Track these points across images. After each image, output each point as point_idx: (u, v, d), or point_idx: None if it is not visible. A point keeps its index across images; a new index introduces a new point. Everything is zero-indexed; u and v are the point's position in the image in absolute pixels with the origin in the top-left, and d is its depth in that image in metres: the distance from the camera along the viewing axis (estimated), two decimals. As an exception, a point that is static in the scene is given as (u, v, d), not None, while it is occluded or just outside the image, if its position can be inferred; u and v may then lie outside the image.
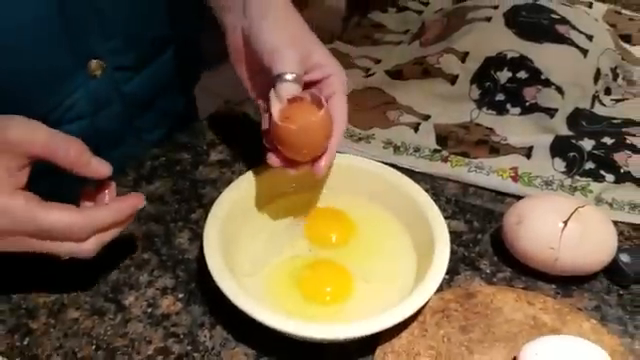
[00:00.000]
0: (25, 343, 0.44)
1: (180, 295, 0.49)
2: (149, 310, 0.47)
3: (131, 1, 0.56)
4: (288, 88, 0.46)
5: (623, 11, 0.87)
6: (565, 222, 0.48)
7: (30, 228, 0.40)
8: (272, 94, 0.47)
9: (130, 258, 0.51)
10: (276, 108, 0.46)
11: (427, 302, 0.46)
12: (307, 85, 0.48)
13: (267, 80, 0.48)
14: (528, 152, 0.62)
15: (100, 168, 0.43)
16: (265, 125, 0.50)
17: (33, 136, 0.41)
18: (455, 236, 0.55)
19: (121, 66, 0.58)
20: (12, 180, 0.41)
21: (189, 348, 0.45)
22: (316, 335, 0.42)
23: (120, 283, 0.49)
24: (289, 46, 0.47)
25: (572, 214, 0.49)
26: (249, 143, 0.63)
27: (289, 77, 0.46)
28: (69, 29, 0.51)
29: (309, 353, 0.44)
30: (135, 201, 0.45)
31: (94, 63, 0.55)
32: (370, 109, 0.69)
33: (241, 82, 0.53)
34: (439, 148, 0.64)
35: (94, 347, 0.44)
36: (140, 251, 0.52)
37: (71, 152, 0.42)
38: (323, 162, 0.48)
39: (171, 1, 0.60)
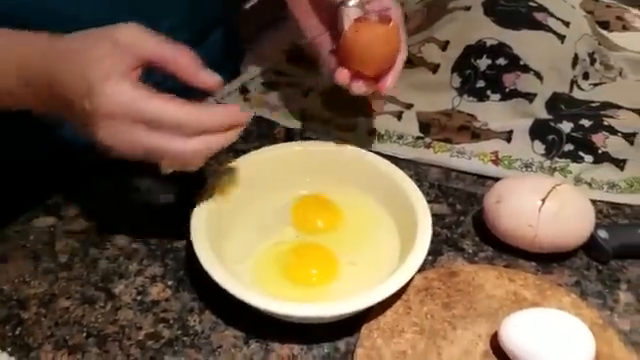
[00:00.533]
0: (17, 333, 0.45)
1: (169, 282, 0.49)
2: (139, 297, 0.48)
3: None
4: (353, 12, 0.50)
5: (601, -1, 0.88)
6: (543, 200, 0.50)
7: (137, 114, 0.39)
8: (342, 12, 0.50)
9: (119, 249, 0.52)
10: (347, 23, 0.50)
11: (411, 281, 0.47)
12: None
13: (327, 16, 0.53)
14: (508, 136, 0.63)
15: (209, 78, 0.43)
16: (331, 46, 0.54)
17: (143, 40, 0.42)
18: (438, 219, 0.56)
19: (169, 28, 0.58)
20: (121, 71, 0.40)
21: (179, 332, 0.46)
22: (302, 314, 0.43)
23: (110, 272, 0.50)
24: None
25: (550, 192, 0.50)
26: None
27: (352, 2, 0.50)
28: (131, 3, 0.54)
29: (297, 334, 0.45)
30: (243, 113, 0.44)
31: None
32: (354, 100, 0.69)
33: (299, 26, 0.57)
34: (422, 135, 0.65)
35: (85, 335, 0.45)
36: (129, 241, 0.53)
37: (180, 59, 0.42)
38: (389, 79, 0.52)
39: None
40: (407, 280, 0.45)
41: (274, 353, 0.45)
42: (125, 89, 0.39)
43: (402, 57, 0.53)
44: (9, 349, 0.43)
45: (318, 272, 0.49)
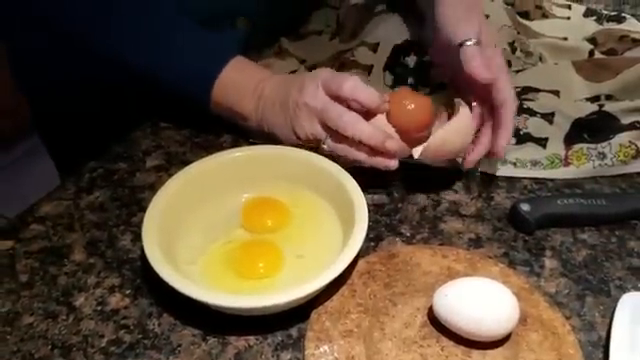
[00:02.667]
0: (-17, 352, 0.47)
1: (127, 291, 0.52)
2: (99, 308, 0.51)
3: None
4: (471, 51, 0.58)
5: (521, -10, 0.94)
6: None
7: (321, 111, 0.58)
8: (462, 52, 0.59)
9: (77, 264, 0.54)
10: (466, 62, 0.58)
11: (354, 266, 0.51)
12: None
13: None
14: (437, 126, 0.68)
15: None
16: None
17: (341, 77, 0.58)
18: (378, 208, 0.60)
19: (262, 25, 0.74)
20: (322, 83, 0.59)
21: (140, 336, 0.49)
22: (250, 305, 0.46)
23: (70, 287, 0.52)
24: (467, 18, 0.60)
25: None
26: (182, 147, 0.67)
27: (470, 42, 0.58)
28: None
29: (252, 326, 0.49)
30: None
31: (240, 20, 0.73)
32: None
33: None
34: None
35: (50, 347, 0.48)
36: (86, 257, 0.55)
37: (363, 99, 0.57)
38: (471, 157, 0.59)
39: None
40: (346, 265, 0.49)
41: (231, 346, 0.48)
42: (321, 93, 0.58)
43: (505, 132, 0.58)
44: (-23, 367, 0.45)
45: (265, 264, 0.52)
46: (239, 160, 0.59)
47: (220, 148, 0.67)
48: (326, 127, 0.58)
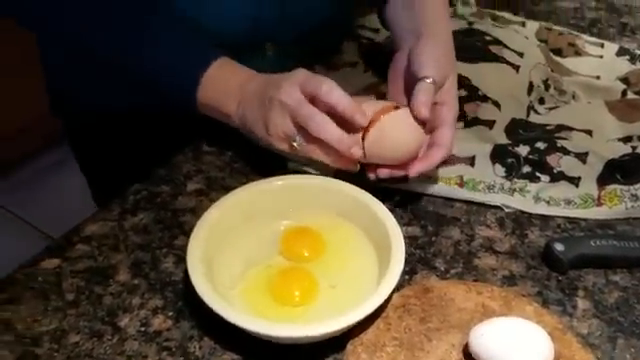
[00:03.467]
0: (32, 368, 0.49)
1: (170, 313, 0.54)
2: (142, 329, 0.53)
3: (307, 19, 0.75)
4: (425, 87, 0.61)
5: (554, 27, 0.95)
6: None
7: (294, 109, 0.59)
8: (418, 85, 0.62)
9: (122, 285, 0.56)
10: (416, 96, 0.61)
11: (389, 300, 0.53)
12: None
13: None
14: (472, 161, 0.69)
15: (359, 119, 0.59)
16: None
17: (317, 79, 0.60)
18: (412, 240, 0.61)
19: (290, 53, 0.76)
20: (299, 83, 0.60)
21: (181, 359, 0.50)
22: (290, 334, 0.48)
23: (115, 307, 0.54)
24: (436, 61, 0.63)
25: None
26: (222, 172, 0.69)
27: (428, 80, 0.62)
28: (259, 20, 0.71)
29: (289, 353, 0.50)
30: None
31: (268, 45, 0.75)
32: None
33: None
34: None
35: (96, 366, 0.50)
36: (130, 277, 0.57)
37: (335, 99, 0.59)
38: (417, 166, 0.62)
39: (337, 21, 0.82)
40: (384, 299, 0.50)
41: (269, 373, 0.49)
42: (296, 92, 0.59)
43: (440, 150, 0.62)
44: (27, 383, 0.47)
45: (300, 293, 0.54)
46: (280, 188, 0.61)
47: (258, 174, 0.69)
48: (298, 126, 0.59)
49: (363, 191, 0.60)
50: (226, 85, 0.64)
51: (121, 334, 0.52)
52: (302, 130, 0.59)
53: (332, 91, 0.58)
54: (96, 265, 0.58)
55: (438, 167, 0.65)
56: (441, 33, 0.67)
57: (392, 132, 0.60)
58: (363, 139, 0.60)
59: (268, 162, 0.71)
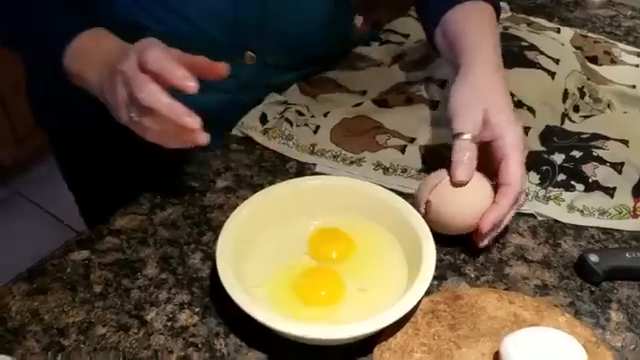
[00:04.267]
0: (59, 359, 0.49)
1: (196, 309, 0.54)
2: (169, 324, 0.52)
3: (290, 20, 0.72)
4: (460, 145, 0.58)
5: (589, 34, 0.94)
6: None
7: (129, 78, 0.54)
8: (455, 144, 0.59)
9: (149, 279, 0.56)
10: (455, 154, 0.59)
11: (418, 305, 0.52)
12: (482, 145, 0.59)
13: None
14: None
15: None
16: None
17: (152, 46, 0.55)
18: (442, 246, 0.60)
19: (272, 64, 0.73)
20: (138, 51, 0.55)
21: (207, 355, 0.50)
22: (318, 336, 0.47)
23: (142, 301, 0.54)
24: (466, 108, 0.59)
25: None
26: (250, 170, 0.69)
27: (465, 137, 0.58)
28: (236, 25, 0.68)
29: (315, 355, 0.50)
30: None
31: (248, 55, 0.72)
32: (360, 135, 0.75)
33: None
34: (424, 168, 0.70)
35: (121, 359, 0.50)
36: (158, 272, 0.57)
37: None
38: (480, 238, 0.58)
39: (328, 27, 0.76)
40: (415, 303, 0.49)
41: (295, 373, 0.49)
42: (133, 62, 0.54)
43: (506, 190, 0.56)
44: (53, 374, 0.47)
45: (326, 293, 0.53)
46: (310, 188, 0.60)
47: (286, 173, 0.69)
48: (132, 96, 0.55)
49: (394, 195, 0.60)
50: (91, 55, 0.60)
51: (147, 328, 0.52)
52: (136, 101, 0.54)
53: (159, 58, 0.53)
54: (124, 258, 0.58)
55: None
56: (479, 64, 0.62)
57: (446, 207, 0.58)
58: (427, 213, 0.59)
59: (296, 163, 0.70)
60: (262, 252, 0.57)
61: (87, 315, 0.53)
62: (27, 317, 0.52)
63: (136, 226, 0.62)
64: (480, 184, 0.58)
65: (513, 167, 0.57)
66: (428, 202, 0.58)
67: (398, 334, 0.51)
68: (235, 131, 0.74)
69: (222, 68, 0.56)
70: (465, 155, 0.58)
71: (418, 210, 0.58)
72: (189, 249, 0.59)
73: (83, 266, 0.57)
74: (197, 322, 0.53)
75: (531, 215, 0.64)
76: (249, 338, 0.51)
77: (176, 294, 0.55)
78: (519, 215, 0.64)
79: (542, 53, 0.76)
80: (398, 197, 0.59)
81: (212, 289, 0.55)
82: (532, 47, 0.76)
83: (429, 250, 0.53)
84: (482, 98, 0.60)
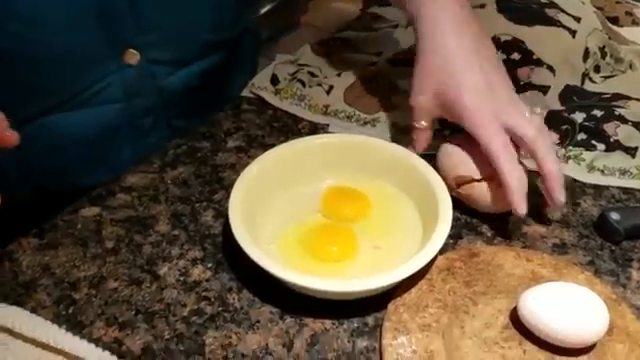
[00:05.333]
0: (70, 312, 0.49)
1: (209, 265, 0.53)
2: (182, 278, 0.52)
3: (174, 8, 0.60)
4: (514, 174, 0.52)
5: (611, -5, 0.91)
6: None
7: None
8: None
9: (161, 235, 0.56)
10: None
11: (433, 262, 0.51)
12: None
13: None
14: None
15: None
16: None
17: None
18: (459, 204, 0.59)
19: (158, 60, 0.62)
20: None
21: (220, 309, 0.49)
22: (333, 289, 0.46)
23: (154, 257, 0.54)
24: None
25: None
26: (261, 130, 0.68)
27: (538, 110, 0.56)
28: (103, 16, 0.56)
29: (329, 310, 0.49)
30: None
31: (129, 52, 0.60)
32: (374, 95, 0.73)
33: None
34: (440, 127, 0.68)
35: (134, 312, 0.49)
36: (170, 228, 0.56)
37: None
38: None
39: (214, 8, 0.65)
40: (430, 259, 0.48)
41: (307, 327, 0.48)
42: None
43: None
44: (64, 326, 0.47)
45: (339, 248, 0.53)
46: (324, 146, 0.59)
47: (298, 134, 0.68)
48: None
49: (410, 152, 0.58)
50: None
51: (160, 282, 0.52)
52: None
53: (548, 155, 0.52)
54: (136, 215, 0.58)
55: None
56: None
57: (482, 202, 0.56)
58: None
59: (309, 124, 0.69)
60: (274, 210, 0.56)
61: (99, 270, 0.52)
62: (38, 271, 0.52)
63: (147, 184, 0.61)
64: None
65: (550, 154, 0.53)
66: (457, 193, 0.57)
67: (413, 290, 0.50)
68: (246, 92, 0.73)
69: (12, 137, 0.45)
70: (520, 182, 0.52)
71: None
72: (201, 207, 0.59)
73: (94, 222, 0.57)
74: (210, 277, 0.52)
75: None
76: (262, 293, 0.51)
77: (188, 250, 0.54)
78: (538, 174, 0.62)
79: (563, 11, 0.74)
80: (414, 154, 0.58)
81: (224, 245, 0.55)
82: (552, 4, 0.74)
83: (445, 207, 0.52)
84: (452, 74, 0.54)
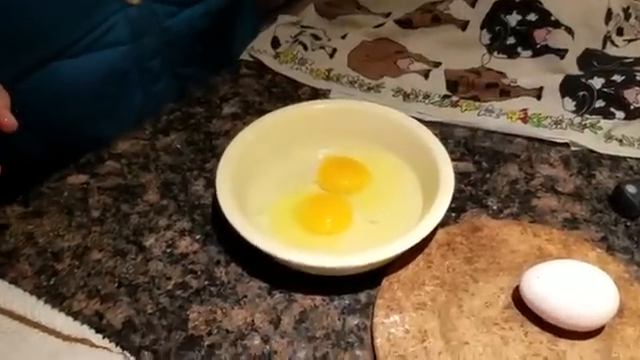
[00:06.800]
0: (51, 283, 0.47)
1: (197, 236, 0.51)
2: (168, 250, 0.50)
3: None
4: None
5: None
6: None
7: None
8: None
9: (150, 204, 0.54)
10: None
11: (433, 236, 0.48)
12: None
13: None
14: (538, 93, 0.62)
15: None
16: None
17: None
18: (463, 177, 0.56)
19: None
20: None
21: (206, 283, 0.47)
22: (322, 264, 0.43)
23: (140, 227, 0.52)
24: None
25: None
26: (259, 96, 0.65)
27: None
28: None
29: (319, 285, 0.46)
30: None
31: None
32: (381, 59, 0.69)
33: None
34: (449, 94, 0.64)
35: (116, 285, 0.47)
36: (159, 198, 0.54)
37: None
38: None
39: None
40: (427, 233, 0.45)
41: (297, 303, 0.46)
42: None
43: None
44: (44, 298, 0.45)
45: (332, 220, 0.50)
46: (319, 113, 0.56)
47: (298, 100, 0.64)
48: None
49: (411, 119, 0.55)
50: None
51: (145, 254, 0.49)
52: None
53: None
54: (125, 183, 0.55)
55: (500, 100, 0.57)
56: None
57: None
58: None
59: (310, 89, 0.66)
60: (267, 179, 0.53)
61: (83, 240, 0.51)
62: (21, 240, 0.50)
63: (138, 151, 0.59)
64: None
65: None
66: None
67: (409, 266, 0.47)
68: (245, 55, 0.70)
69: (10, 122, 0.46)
70: None
71: None
72: (192, 176, 0.56)
73: (81, 190, 0.55)
74: (197, 249, 0.50)
75: (564, 145, 0.58)
76: (251, 267, 0.48)
77: (176, 221, 0.52)
78: (551, 144, 0.58)
79: (585, -32, 0.68)
80: (415, 121, 0.54)
81: (214, 217, 0.52)
82: (574, -39, 0.68)
83: (447, 177, 0.48)
84: None
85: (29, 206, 0.53)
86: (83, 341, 0.42)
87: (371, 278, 0.46)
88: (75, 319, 0.43)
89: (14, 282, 0.46)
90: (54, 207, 0.53)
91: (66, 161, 0.57)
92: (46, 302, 0.44)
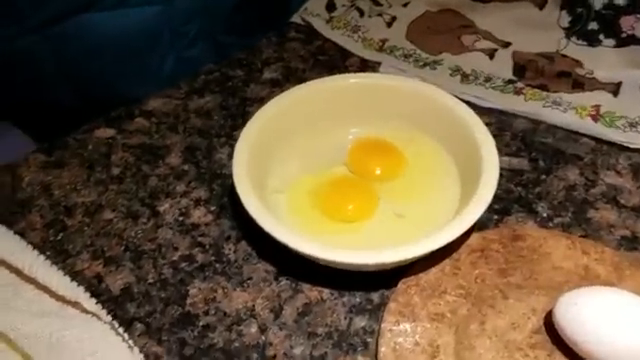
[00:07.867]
0: (58, 238, 0.46)
1: (212, 208, 0.48)
2: (180, 219, 0.47)
3: None
4: None
5: None
6: None
7: None
8: None
9: (170, 168, 0.51)
10: None
11: (466, 239, 0.43)
12: None
13: None
14: (615, 89, 0.54)
15: None
16: None
17: None
18: (514, 175, 0.50)
19: None
20: None
21: (213, 258, 0.44)
22: (331, 258, 0.39)
23: (158, 190, 0.49)
24: None
25: None
26: (303, 63, 0.61)
27: None
28: None
29: (330, 277, 0.42)
30: None
31: None
32: (443, 33, 0.63)
33: None
34: (514, 78, 0.58)
35: (123, 248, 0.45)
36: (181, 162, 0.52)
37: None
38: None
39: None
40: (458, 235, 0.39)
41: (302, 294, 0.42)
42: None
43: None
44: (48, 253, 0.44)
45: (354, 207, 0.45)
46: (353, 88, 0.50)
47: (344, 71, 0.60)
48: None
49: (465, 106, 0.48)
50: None
51: (157, 220, 0.47)
52: None
53: None
54: (150, 143, 0.53)
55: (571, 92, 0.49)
56: None
57: None
58: None
59: (359, 60, 0.61)
60: (291, 155, 0.49)
61: (98, 197, 0.49)
62: (37, 190, 0.49)
63: (169, 110, 0.56)
64: None
65: None
66: None
67: (432, 270, 0.42)
68: (296, 17, 0.65)
69: None
70: None
71: None
72: (218, 142, 0.53)
73: (106, 145, 0.53)
74: (210, 221, 0.47)
75: (637, 151, 0.50)
76: (261, 247, 0.45)
77: (195, 188, 0.49)
78: (621, 149, 0.51)
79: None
80: (463, 104, 0.47)
81: (232, 189, 0.49)
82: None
83: (491, 174, 0.42)
84: None
85: (52, 156, 0.52)
86: (75, 305, 0.40)
87: (388, 277, 0.42)
88: (74, 279, 0.42)
89: (22, 233, 0.45)
90: (76, 159, 0.52)
91: (97, 115, 0.56)
92: (49, 258, 0.43)
